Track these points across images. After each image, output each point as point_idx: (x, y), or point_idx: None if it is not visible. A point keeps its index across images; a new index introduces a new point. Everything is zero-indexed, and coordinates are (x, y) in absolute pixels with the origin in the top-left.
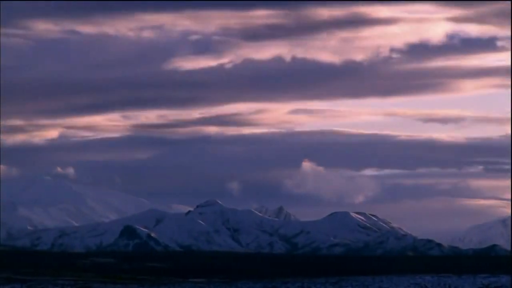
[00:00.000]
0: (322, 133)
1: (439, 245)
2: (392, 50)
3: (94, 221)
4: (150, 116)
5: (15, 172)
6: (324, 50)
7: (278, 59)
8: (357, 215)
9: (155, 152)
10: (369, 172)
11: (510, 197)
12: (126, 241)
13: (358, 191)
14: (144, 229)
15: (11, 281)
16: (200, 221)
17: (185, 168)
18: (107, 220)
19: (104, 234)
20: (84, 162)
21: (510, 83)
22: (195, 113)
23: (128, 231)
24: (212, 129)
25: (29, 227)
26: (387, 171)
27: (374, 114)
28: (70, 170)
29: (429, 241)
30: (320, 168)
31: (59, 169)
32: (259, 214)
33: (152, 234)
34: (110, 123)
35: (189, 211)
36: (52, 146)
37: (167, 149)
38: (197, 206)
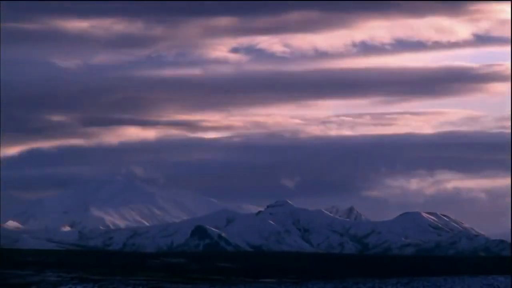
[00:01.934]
0: (392, 134)
1: None
2: None
3: (165, 221)
4: (218, 116)
5: (88, 173)
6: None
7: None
8: (428, 215)
9: (225, 152)
10: (439, 172)
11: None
12: (197, 241)
13: (429, 192)
14: (215, 229)
15: (83, 281)
16: (271, 221)
17: (255, 168)
18: (178, 220)
19: (175, 234)
20: (156, 163)
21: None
22: (264, 113)
23: (199, 231)
24: (281, 129)
25: (101, 227)
26: (457, 172)
27: (446, 115)
28: (142, 171)
29: (502, 241)
30: (390, 169)
31: (131, 169)
32: (330, 214)
33: (223, 234)
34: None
35: (260, 211)
36: (124, 147)
37: (237, 150)
38: (268, 206)
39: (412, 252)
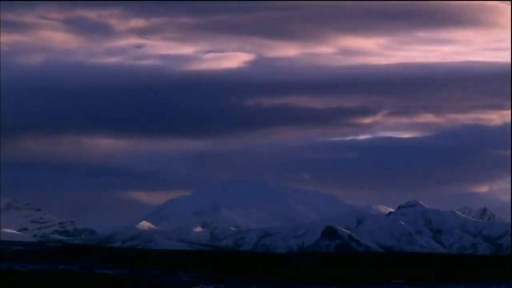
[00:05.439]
0: None
1: None
2: None
3: (295, 221)
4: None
5: (220, 173)
6: None
7: None
8: None
9: (355, 153)
10: None
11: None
12: (328, 242)
13: None
14: (345, 230)
15: (215, 281)
16: (402, 222)
17: (386, 168)
18: (309, 220)
19: (305, 235)
20: (286, 163)
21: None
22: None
23: (330, 232)
24: (410, 128)
25: (232, 228)
26: None
27: None
28: (273, 171)
29: None
30: None
31: (261, 170)
32: (462, 215)
33: (353, 235)
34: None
35: (391, 212)
36: (255, 148)
37: (366, 151)
38: (399, 207)
39: None
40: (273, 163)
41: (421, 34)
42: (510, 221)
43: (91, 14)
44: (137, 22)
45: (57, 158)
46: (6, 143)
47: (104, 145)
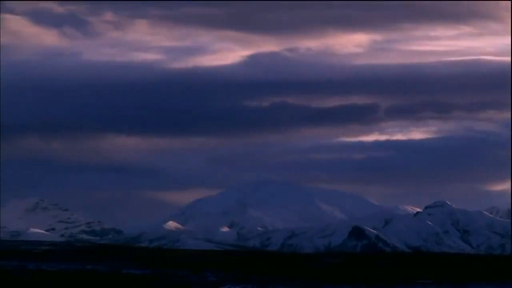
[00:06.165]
0: None
1: None
2: None
3: (322, 222)
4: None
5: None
6: None
7: None
8: None
9: (383, 153)
10: None
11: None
12: (355, 242)
13: None
14: (372, 230)
15: (242, 281)
16: (429, 222)
17: (414, 168)
18: (336, 221)
19: (332, 235)
20: (312, 162)
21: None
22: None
23: (357, 232)
24: (418, 128)
25: (259, 228)
26: None
27: None
28: (297, 171)
29: None
30: None
31: (288, 170)
32: (490, 215)
33: (381, 235)
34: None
35: (418, 212)
36: (281, 148)
37: (394, 150)
38: (426, 207)
39: None
40: (299, 163)
41: (423, 32)
42: None
43: (59, 8)
44: (110, 16)
45: (83, 157)
46: (30, 143)
47: (130, 145)
